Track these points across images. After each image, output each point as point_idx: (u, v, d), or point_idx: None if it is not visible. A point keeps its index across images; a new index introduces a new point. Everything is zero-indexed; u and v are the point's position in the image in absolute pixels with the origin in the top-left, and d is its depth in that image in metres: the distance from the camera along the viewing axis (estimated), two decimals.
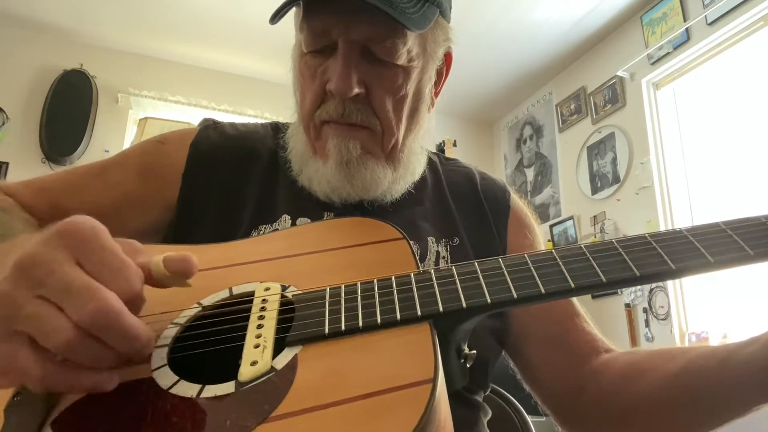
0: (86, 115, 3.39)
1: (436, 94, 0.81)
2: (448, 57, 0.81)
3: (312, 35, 0.69)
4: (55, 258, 0.39)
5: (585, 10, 3.35)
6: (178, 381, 0.43)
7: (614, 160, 3.45)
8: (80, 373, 0.39)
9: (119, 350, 0.39)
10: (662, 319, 2.97)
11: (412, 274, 0.50)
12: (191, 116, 3.57)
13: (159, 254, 0.54)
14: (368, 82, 0.69)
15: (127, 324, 0.38)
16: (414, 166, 0.79)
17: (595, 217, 3.51)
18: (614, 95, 3.51)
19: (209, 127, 0.82)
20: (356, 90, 0.68)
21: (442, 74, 0.81)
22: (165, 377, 0.43)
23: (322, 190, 0.74)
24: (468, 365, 0.52)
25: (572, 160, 3.79)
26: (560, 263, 0.48)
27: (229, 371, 0.43)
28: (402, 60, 0.70)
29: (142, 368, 0.44)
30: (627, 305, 3.17)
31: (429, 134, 0.82)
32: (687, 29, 3.06)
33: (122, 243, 0.43)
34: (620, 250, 0.48)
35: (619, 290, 3.23)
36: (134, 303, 0.41)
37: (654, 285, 3.03)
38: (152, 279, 0.44)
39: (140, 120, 3.60)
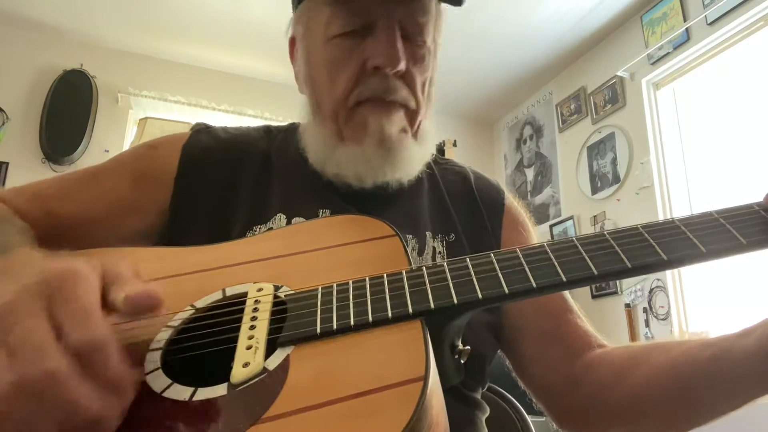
0: (86, 115, 3.39)
1: None
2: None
3: (349, 15, 0.70)
4: (25, 309, 0.36)
5: (585, 10, 3.34)
6: (171, 384, 0.43)
7: (614, 160, 3.45)
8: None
9: (55, 421, 0.34)
10: (662, 319, 2.96)
11: (404, 272, 0.49)
12: (191, 116, 3.57)
13: (149, 260, 0.53)
14: (406, 59, 0.71)
15: (68, 396, 0.34)
16: (429, 146, 0.80)
17: (595, 217, 3.51)
18: (614, 95, 3.50)
19: (201, 131, 0.82)
20: (403, 63, 0.69)
21: None
22: (158, 381, 0.43)
23: (357, 172, 0.73)
24: (462, 361, 0.52)
25: (572, 160, 3.78)
26: (552, 257, 0.48)
27: (223, 373, 0.43)
28: (429, 40, 0.73)
29: (135, 373, 0.44)
30: (627, 305, 3.16)
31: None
32: (687, 29, 3.05)
33: (108, 272, 0.40)
34: (612, 242, 0.48)
35: (619, 290, 3.23)
36: (97, 354, 0.37)
37: (654, 285, 3.03)
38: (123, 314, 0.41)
39: (140, 120, 3.60)
